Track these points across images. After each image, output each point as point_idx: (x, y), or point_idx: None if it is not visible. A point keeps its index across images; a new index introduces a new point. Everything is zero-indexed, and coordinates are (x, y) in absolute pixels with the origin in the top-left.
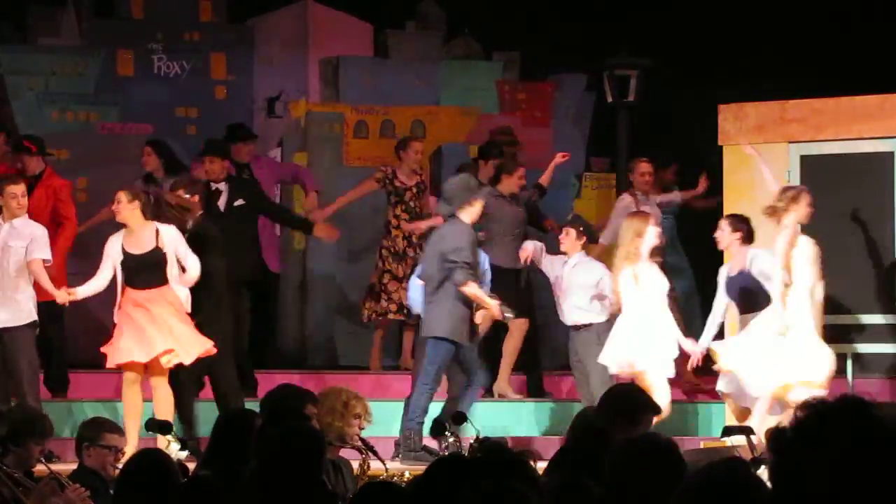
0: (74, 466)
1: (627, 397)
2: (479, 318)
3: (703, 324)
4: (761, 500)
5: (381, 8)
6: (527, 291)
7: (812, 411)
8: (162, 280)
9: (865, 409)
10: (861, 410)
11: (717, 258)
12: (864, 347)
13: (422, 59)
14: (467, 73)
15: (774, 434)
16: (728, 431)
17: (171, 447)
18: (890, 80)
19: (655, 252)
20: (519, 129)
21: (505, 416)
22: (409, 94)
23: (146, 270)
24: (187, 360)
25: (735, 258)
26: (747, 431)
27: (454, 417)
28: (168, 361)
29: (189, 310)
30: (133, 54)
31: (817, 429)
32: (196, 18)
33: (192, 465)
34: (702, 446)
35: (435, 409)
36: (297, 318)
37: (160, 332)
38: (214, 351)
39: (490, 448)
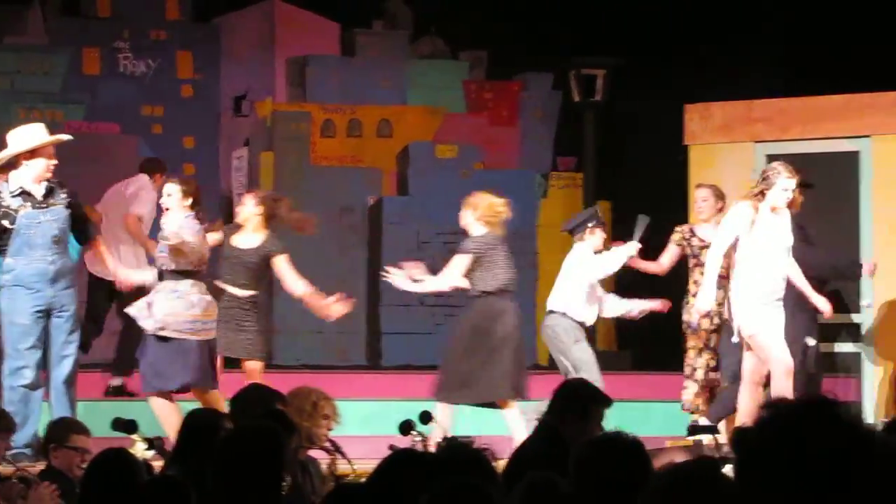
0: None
1: (576, 392)
2: None
3: None
4: (730, 499)
5: (348, 7)
6: None
7: (775, 410)
8: None
9: (829, 407)
10: (824, 409)
11: None
12: (825, 347)
13: (388, 58)
14: (434, 73)
15: (737, 434)
16: (694, 430)
17: (137, 446)
18: (855, 79)
19: None
20: (486, 128)
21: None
22: (376, 93)
23: None
24: None
25: None
26: (712, 430)
27: (421, 417)
28: None
29: None
30: (99, 53)
31: (780, 428)
32: (162, 17)
33: (158, 465)
34: (667, 445)
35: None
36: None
37: None
38: None
39: (449, 445)
